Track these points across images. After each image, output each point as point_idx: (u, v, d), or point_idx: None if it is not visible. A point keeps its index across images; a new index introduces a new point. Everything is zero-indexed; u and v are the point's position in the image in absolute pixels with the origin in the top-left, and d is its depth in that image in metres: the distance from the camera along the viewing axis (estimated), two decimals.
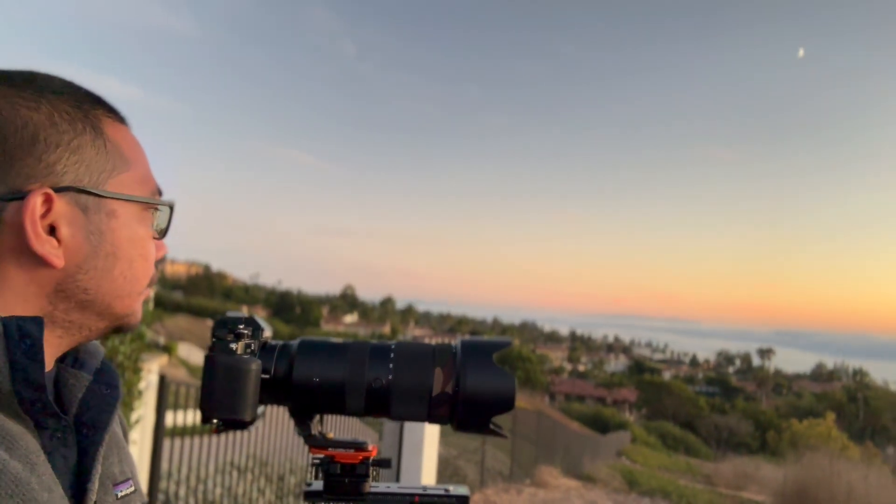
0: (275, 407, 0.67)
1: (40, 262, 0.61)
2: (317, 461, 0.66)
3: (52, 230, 0.62)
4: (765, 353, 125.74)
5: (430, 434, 6.97)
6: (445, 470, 8.05)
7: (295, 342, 0.65)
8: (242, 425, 0.60)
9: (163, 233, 0.73)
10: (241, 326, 0.61)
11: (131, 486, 0.73)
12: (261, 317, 0.73)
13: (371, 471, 0.66)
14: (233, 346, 0.60)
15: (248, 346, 0.61)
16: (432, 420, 0.64)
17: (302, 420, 0.65)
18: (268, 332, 0.65)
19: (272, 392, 0.63)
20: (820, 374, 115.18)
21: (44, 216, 0.61)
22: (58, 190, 0.62)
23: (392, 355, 0.65)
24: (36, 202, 0.60)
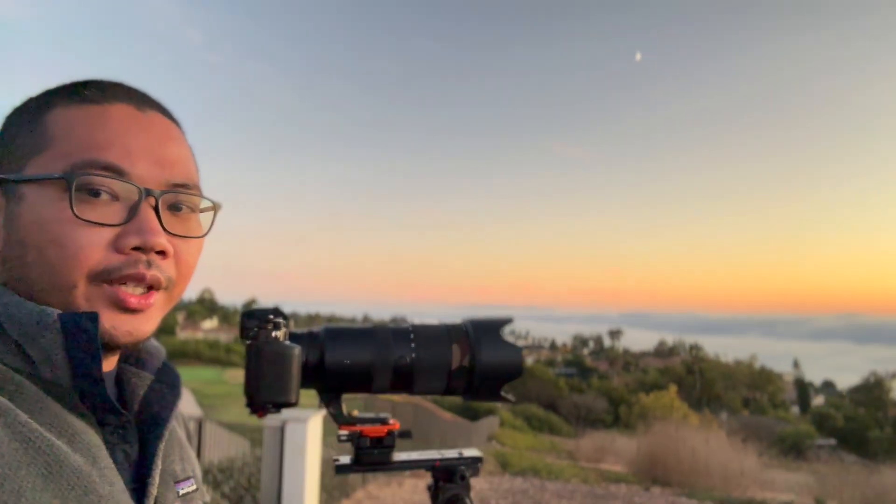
0: None
1: None
2: (344, 437, 0.71)
3: None
4: (614, 334, 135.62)
5: (313, 435, 6.89)
6: (328, 470, 7.97)
7: (319, 329, 0.70)
8: (290, 406, 0.64)
9: (129, 215, 0.63)
10: (272, 316, 0.64)
11: (193, 485, 0.74)
12: None
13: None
14: (275, 334, 0.64)
15: (285, 334, 0.65)
16: (449, 392, 0.71)
17: (331, 400, 0.70)
18: (291, 323, 0.69)
19: (305, 375, 0.67)
20: (662, 351, 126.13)
21: None
22: None
23: (412, 335, 0.71)
24: None
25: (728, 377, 66.37)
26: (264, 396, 0.63)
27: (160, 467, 0.67)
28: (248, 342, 0.63)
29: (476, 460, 0.76)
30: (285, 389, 0.63)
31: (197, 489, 0.75)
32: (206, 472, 6.27)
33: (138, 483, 0.65)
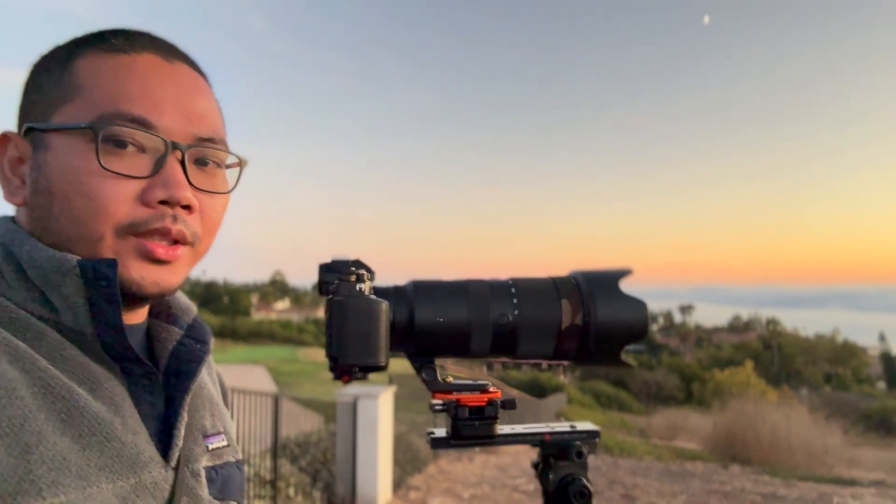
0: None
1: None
2: (439, 406, 0.62)
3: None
4: (685, 309, 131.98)
5: (384, 411, 6.95)
6: (399, 445, 8.07)
7: (407, 284, 0.61)
8: (379, 370, 0.56)
9: (156, 168, 0.61)
10: (354, 268, 0.56)
11: (224, 441, 0.73)
12: None
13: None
14: (360, 287, 0.55)
15: (370, 288, 0.57)
16: (558, 356, 0.62)
17: (424, 365, 0.62)
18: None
19: (393, 337, 0.59)
20: (736, 326, 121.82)
21: (4, 155, 0.65)
22: (24, 131, 0.64)
23: (513, 290, 0.62)
24: None
25: (808, 352, 63.47)
26: (350, 358, 0.54)
27: (186, 420, 0.66)
28: (330, 297, 0.55)
29: (593, 434, 0.66)
30: (373, 350, 0.54)
31: (228, 445, 0.74)
32: (283, 447, 6.43)
33: (164, 435, 0.64)
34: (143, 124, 0.61)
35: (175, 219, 0.62)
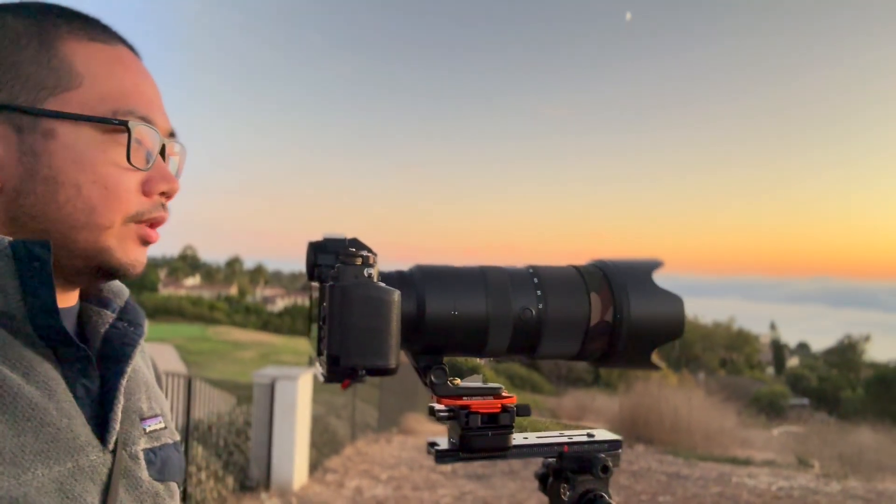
0: None
1: None
2: (444, 413, 0.53)
3: None
4: None
5: (303, 394, 6.77)
6: (317, 427, 7.91)
7: (412, 270, 0.52)
8: (388, 373, 0.46)
9: (149, 161, 0.66)
10: (355, 249, 0.46)
11: (161, 423, 0.74)
12: None
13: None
14: (367, 272, 0.45)
15: (378, 274, 0.47)
16: (582, 357, 0.54)
17: (432, 364, 0.52)
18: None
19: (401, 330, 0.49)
20: None
21: None
22: None
23: (536, 280, 0.53)
24: None
25: (706, 338, 67.30)
26: (355, 359, 0.44)
27: (122, 403, 0.66)
28: (330, 284, 0.45)
29: (615, 445, 0.59)
30: (383, 349, 0.45)
31: (165, 427, 0.75)
32: (194, 429, 6.15)
33: (101, 418, 0.64)
34: (151, 122, 0.66)
35: (164, 207, 0.68)
